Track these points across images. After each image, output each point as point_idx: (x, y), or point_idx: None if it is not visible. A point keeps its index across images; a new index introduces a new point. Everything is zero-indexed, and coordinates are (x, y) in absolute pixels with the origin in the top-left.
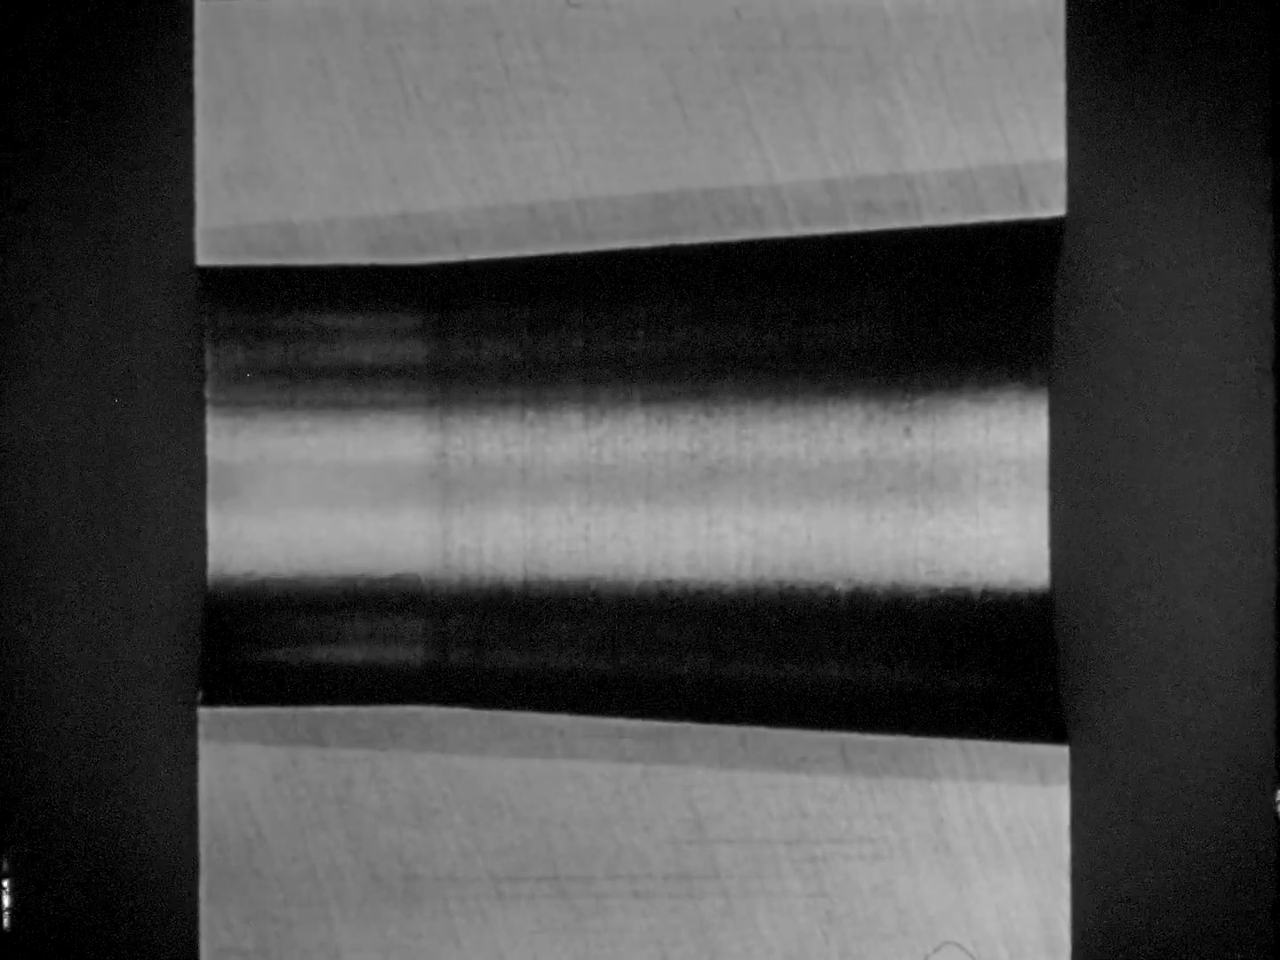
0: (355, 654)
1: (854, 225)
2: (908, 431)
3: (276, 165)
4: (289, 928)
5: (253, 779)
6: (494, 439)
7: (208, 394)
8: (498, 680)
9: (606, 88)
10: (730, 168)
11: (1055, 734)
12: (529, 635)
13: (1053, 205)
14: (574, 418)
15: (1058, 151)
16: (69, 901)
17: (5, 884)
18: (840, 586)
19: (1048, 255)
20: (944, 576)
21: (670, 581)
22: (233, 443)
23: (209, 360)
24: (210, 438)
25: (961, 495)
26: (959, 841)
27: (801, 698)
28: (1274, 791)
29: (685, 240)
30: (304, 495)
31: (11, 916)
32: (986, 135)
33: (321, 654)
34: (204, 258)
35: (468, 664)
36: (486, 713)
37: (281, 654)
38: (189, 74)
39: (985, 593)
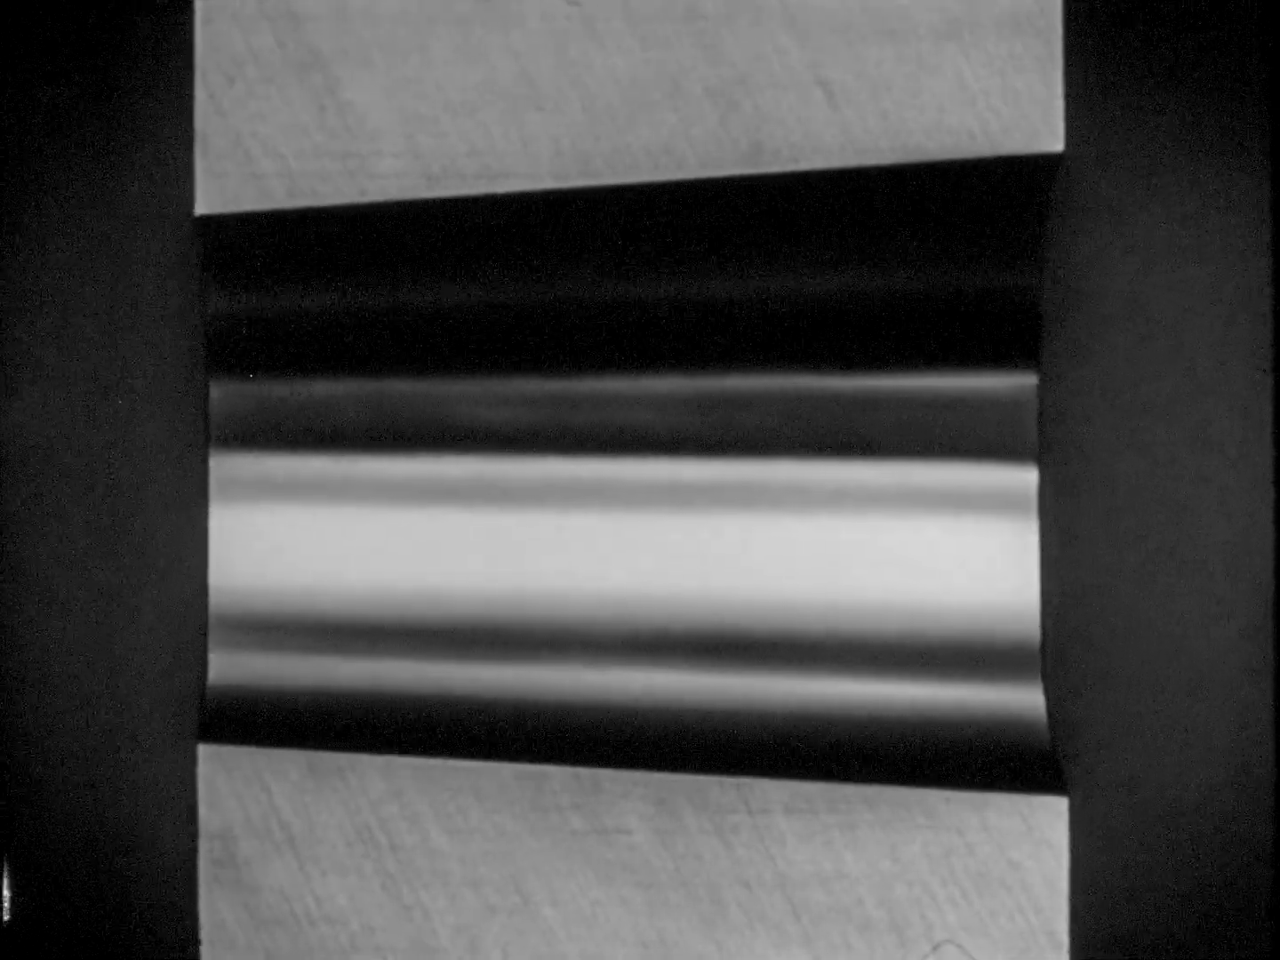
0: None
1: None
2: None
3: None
4: (291, 931)
5: (252, 777)
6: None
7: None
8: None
9: (616, 81)
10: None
11: (1053, 783)
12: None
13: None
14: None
15: (1054, 144)
16: (68, 903)
17: (4, 886)
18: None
19: (1033, 248)
20: (923, 601)
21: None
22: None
23: (210, 308)
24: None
25: (942, 509)
26: (955, 840)
27: (782, 737)
28: (1274, 795)
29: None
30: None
31: (11, 916)
32: (977, 127)
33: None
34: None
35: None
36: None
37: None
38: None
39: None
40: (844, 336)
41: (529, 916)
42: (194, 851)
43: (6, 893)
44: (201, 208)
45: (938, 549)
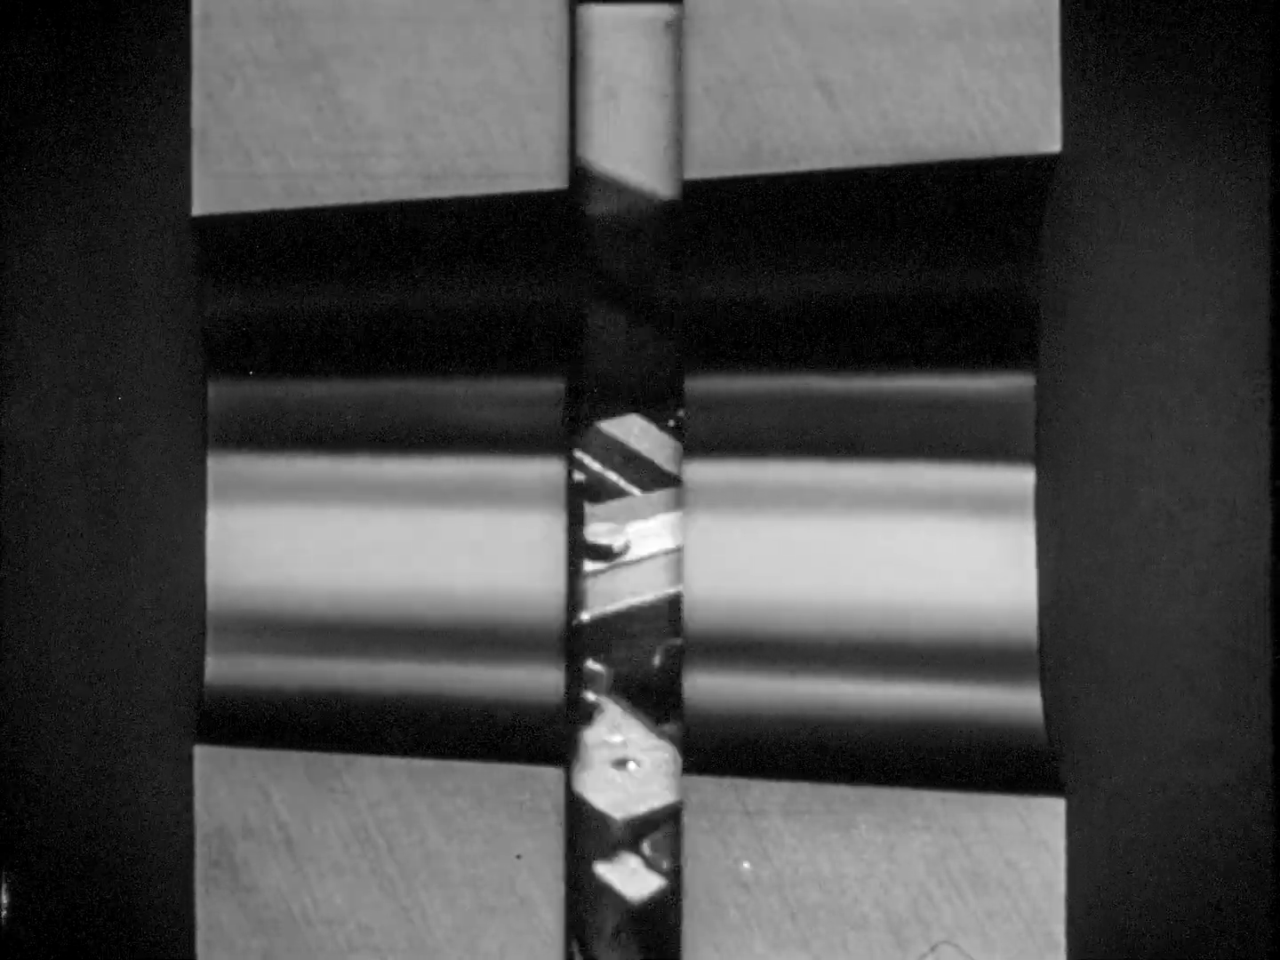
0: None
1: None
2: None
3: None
4: (288, 932)
5: (249, 778)
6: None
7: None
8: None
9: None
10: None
11: (1051, 785)
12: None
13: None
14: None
15: (1052, 145)
16: (65, 903)
17: (2, 886)
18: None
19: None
20: (924, 606)
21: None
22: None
23: (206, 308)
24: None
25: (939, 512)
26: (952, 841)
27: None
28: (1272, 796)
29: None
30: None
31: (8, 916)
32: (977, 127)
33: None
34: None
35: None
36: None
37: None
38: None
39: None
40: (843, 337)
41: (527, 917)
42: (191, 852)
43: (4, 893)
44: (199, 208)
45: (936, 550)
